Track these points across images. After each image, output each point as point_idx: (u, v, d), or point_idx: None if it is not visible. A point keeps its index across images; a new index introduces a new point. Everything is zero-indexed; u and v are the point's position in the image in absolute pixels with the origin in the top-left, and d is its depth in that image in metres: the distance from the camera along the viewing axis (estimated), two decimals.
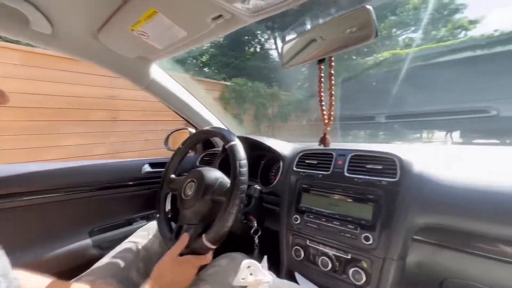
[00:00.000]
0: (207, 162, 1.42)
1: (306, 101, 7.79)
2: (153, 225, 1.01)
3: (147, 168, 1.35)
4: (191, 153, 1.57)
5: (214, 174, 0.89)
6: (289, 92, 7.73)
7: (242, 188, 0.76)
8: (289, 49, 0.92)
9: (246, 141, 1.27)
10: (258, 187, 0.97)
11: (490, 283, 0.64)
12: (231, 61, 8.20)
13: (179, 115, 1.44)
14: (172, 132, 1.49)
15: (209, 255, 0.75)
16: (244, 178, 0.78)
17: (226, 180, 0.88)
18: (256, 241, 0.97)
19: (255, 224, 0.96)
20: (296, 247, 0.88)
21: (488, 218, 0.62)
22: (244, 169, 0.79)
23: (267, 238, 1.07)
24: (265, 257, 0.85)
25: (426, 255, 0.70)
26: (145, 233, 0.96)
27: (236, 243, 1.06)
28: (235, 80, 6.08)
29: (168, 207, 0.99)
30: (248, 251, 1.00)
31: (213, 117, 1.54)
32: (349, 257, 0.76)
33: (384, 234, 0.71)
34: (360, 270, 0.72)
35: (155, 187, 1.36)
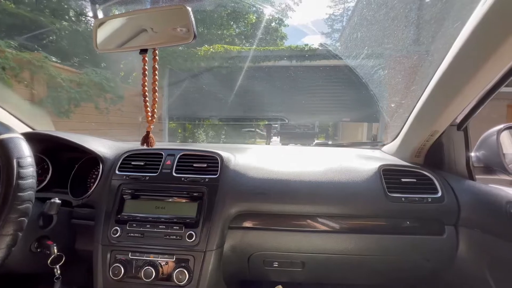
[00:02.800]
0: None
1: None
2: None
3: None
4: None
5: None
6: (80, 70, 4.41)
7: (22, 197, 0.54)
8: (105, 31, 0.77)
9: (49, 140, 0.95)
10: (58, 201, 0.74)
11: (282, 249, 0.84)
12: None
13: None
14: None
15: None
16: (27, 182, 0.56)
17: None
18: (57, 273, 0.74)
19: (55, 251, 0.73)
20: (116, 264, 0.75)
21: (282, 201, 0.81)
22: (27, 171, 0.57)
23: (79, 263, 0.85)
24: None
25: (238, 238, 0.82)
26: None
27: (22, 284, 0.76)
28: None
29: None
30: None
31: None
32: (173, 259, 0.74)
33: (206, 228, 0.75)
34: (183, 270, 0.72)
35: None
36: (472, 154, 0.87)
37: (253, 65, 5.40)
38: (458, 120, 0.83)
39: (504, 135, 0.82)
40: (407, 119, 0.95)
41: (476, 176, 0.86)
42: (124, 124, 5.15)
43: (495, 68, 0.62)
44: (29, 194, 0.56)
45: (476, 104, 0.76)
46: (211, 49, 5.49)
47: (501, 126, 0.82)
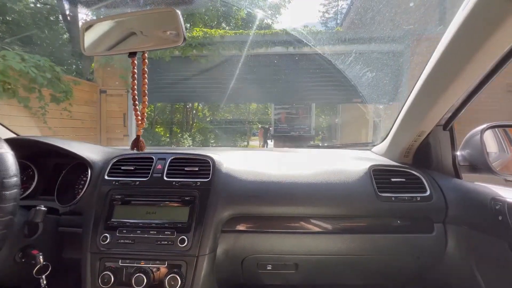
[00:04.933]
0: None
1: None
2: None
3: None
4: None
5: None
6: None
7: (4, 208, 0.53)
8: (93, 34, 0.76)
9: (34, 146, 0.92)
10: (43, 208, 0.71)
11: (276, 251, 0.84)
12: None
13: None
14: None
15: None
16: (11, 193, 0.55)
17: None
18: (44, 283, 0.71)
19: (41, 260, 0.70)
20: (105, 272, 0.73)
21: (275, 203, 0.81)
22: (11, 180, 0.56)
23: (67, 272, 0.82)
24: None
25: (230, 242, 0.81)
26: None
27: None
28: None
29: None
30: None
31: None
32: (165, 265, 0.73)
33: (198, 232, 0.74)
34: (176, 276, 0.71)
35: None
36: (458, 153, 0.89)
37: (241, 53, 4.44)
38: (443, 121, 0.86)
39: (488, 134, 0.85)
40: (395, 120, 0.97)
41: (462, 174, 0.89)
42: (77, 129, 4.10)
43: (476, 70, 0.65)
44: (13, 205, 0.54)
45: (460, 105, 0.79)
46: (187, 34, 4.56)
47: (484, 125, 0.85)
